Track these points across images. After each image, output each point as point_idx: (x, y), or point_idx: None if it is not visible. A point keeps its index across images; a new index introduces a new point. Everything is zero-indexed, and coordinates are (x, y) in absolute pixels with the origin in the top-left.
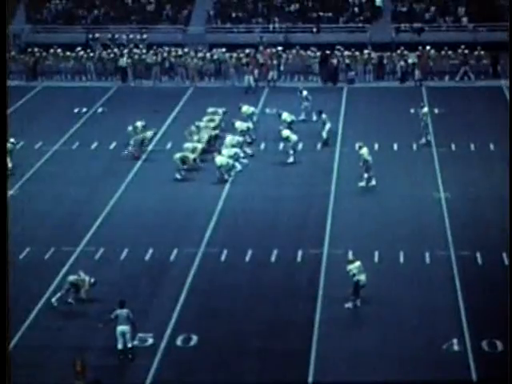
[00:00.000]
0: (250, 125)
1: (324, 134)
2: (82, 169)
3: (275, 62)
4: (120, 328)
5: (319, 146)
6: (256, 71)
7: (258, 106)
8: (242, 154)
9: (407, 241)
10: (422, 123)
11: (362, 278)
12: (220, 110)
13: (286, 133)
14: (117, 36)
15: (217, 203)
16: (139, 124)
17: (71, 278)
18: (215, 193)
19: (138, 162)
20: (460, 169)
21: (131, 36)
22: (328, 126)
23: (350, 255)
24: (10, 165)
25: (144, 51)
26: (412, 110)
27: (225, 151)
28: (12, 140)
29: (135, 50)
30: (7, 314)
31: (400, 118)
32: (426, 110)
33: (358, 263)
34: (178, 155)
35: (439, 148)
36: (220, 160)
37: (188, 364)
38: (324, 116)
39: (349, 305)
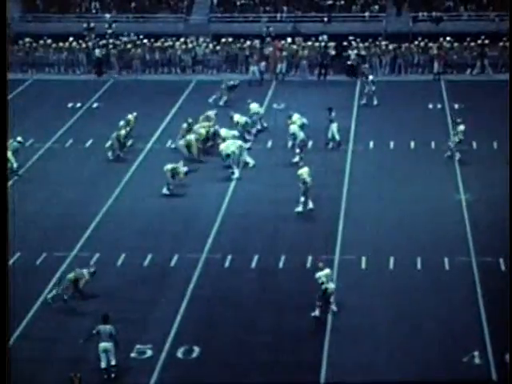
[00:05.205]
0: (249, 120)
1: (336, 135)
2: (76, 168)
3: (284, 53)
4: (102, 345)
5: (331, 145)
6: (263, 63)
7: (265, 100)
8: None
9: (425, 246)
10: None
11: (331, 286)
12: (212, 113)
13: (293, 128)
14: (114, 25)
15: (220, 205)
16: (131, 117)
17: (70, 275)
18: (218, 194)
19: (136, 160)
20: (481, 169)
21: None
22: (335, 124)
23: (321, 263)
24: (15, 165)
25: (128, 40)
26: (430, 106)
27: (227, 142)
28: (19, 138)
29: (124, 39)
30: (7, 313)
31: (417, 113)
32: (371, 77)
33: (327, 271)
34: (168, 167)
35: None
36: (226, 147)
37: (190, 377)
38: (333, 114)
39: (316, 313)
